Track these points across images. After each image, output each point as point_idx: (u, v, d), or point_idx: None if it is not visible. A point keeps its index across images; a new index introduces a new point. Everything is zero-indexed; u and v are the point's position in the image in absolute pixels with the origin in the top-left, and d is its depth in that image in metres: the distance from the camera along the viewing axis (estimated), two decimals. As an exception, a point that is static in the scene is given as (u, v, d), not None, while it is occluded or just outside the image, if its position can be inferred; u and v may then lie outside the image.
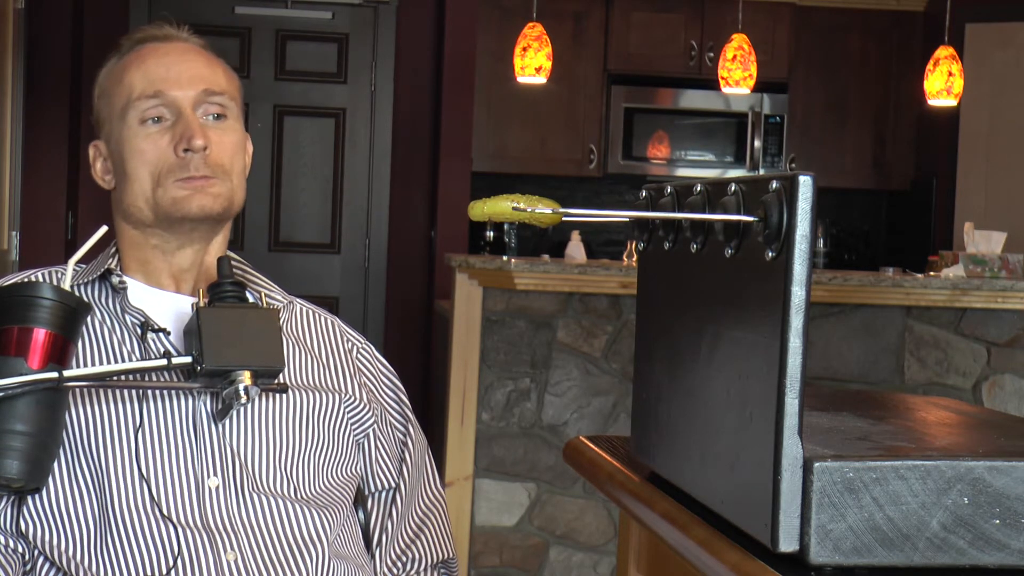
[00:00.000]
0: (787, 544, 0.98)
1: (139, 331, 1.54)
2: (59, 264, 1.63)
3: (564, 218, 1.16)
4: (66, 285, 1.44)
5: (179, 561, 1.47)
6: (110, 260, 1.60)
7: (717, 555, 1.06)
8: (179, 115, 1.56)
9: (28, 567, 1.51)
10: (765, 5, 6.40)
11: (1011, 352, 4.12)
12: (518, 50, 5.13)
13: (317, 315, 1.71)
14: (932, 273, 4.38)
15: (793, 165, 6.55)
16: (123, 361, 1.53)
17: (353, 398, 1.64)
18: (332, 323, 1.71)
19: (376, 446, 1.68)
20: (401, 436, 1.72)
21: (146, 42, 1.61)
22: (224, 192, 1.57)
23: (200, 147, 1.54)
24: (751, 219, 1.05)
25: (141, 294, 1.59)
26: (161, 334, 1.54)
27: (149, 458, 1.49)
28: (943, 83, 5.08)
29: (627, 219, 1.25)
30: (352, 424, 1.64)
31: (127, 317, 1.56)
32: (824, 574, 0.98)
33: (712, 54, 6.36)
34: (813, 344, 3.97)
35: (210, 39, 1.68)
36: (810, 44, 6.54)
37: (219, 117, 1.59)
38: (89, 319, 1.55)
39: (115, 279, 1.58)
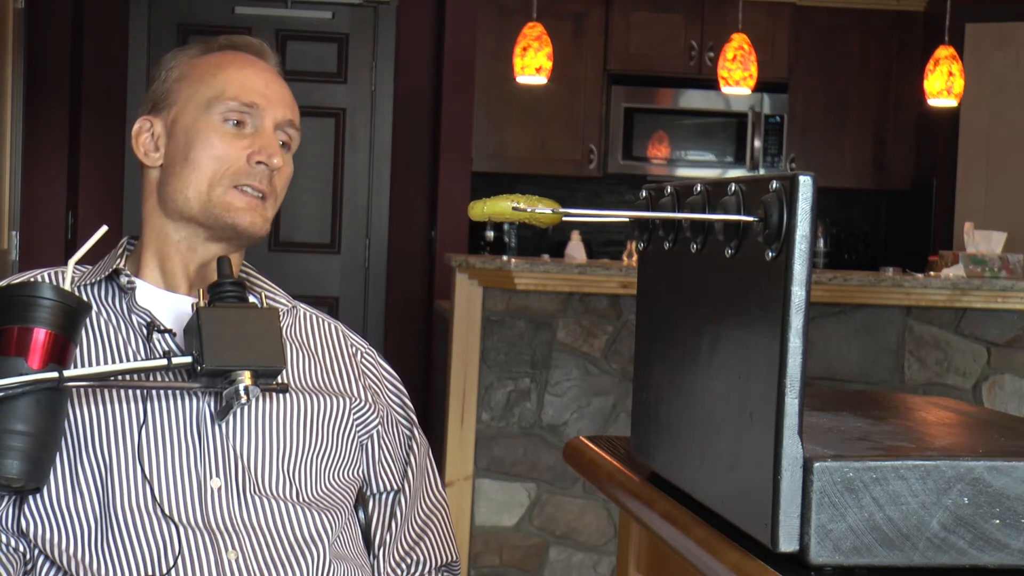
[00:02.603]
0: (787, 544, 0.98)
1: (145, 331, 1.55)
2: (60, 264, 1.64)
3: (564, 218, 1.16)
4: (66, 285, 1.44)
5: (180, 560, 1.47)
6: (118, 260, 1.61)
7: (717, 555, 1.06)
8: (261, 129, 1.61)
9: (29, 566, 1.51)
10: (765, 5, 6.40)
11: (1011, 352, 4.12)
12: (518, 50, 5.12)
13: (320, 319, 1.72)
14: (932, 273, 4.38)
15: (793, 165, 6.55)
16: (128, 361, 1.53)
17: (358, 400, 1.65)
18: (335, 327, 1.72)
19: (380, 447, 1.69)
20: (407, 439, 1.72)
21: (240, 49, 1.67)
22: (270, 218, 1.62)
23: (277, 166, 1.60)
24: (751, 219, 1.05)
25: (149, 295, 1.60)
26: (167, 335, 1.55)
27: (152, 458, 1.50)
28: (943, 83, 5.08)
29: (627, 219, 1.25)
30: (357, 426, 1.65)
31: (133, 317, 1.56)
32: (824, 574, 0.98)
33: (712, 54, 6.36)
34: (813, 344, 3.97)
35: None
36: (810, 44, 6.54)
37: (285, 146, 1.65)
38: (95, 319, 1.56)
39: (123, 279, 1.59)
